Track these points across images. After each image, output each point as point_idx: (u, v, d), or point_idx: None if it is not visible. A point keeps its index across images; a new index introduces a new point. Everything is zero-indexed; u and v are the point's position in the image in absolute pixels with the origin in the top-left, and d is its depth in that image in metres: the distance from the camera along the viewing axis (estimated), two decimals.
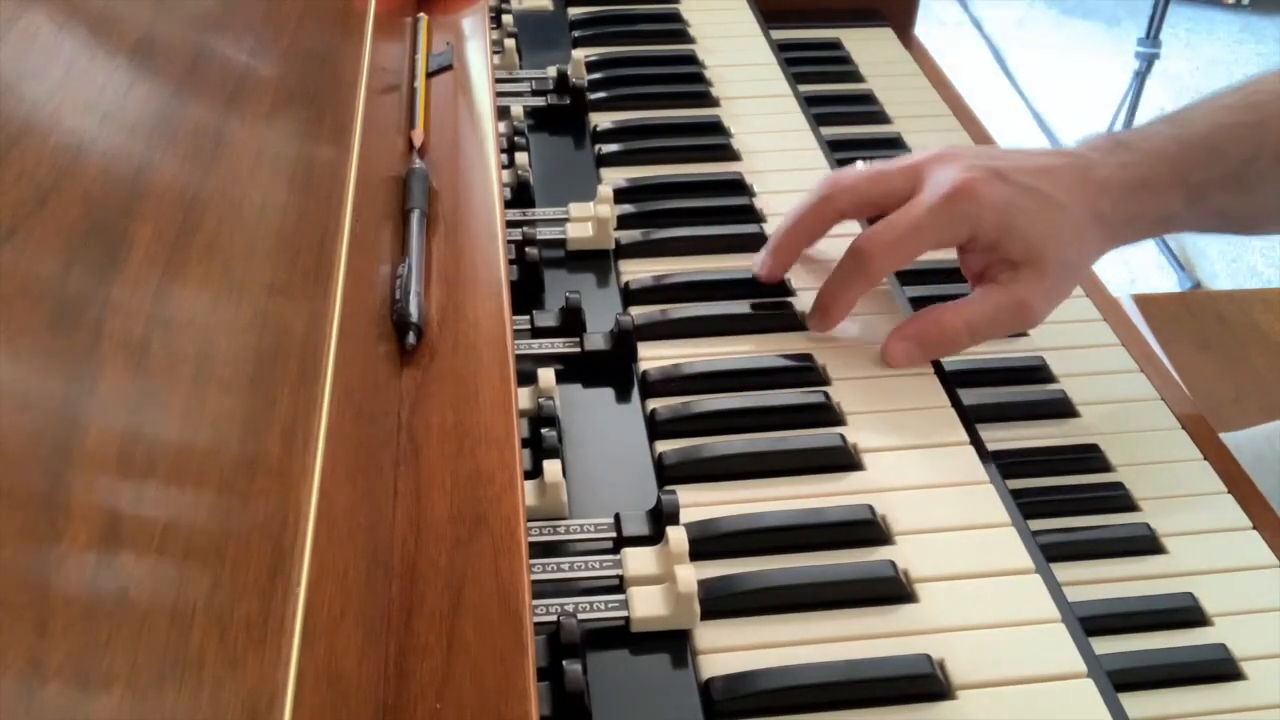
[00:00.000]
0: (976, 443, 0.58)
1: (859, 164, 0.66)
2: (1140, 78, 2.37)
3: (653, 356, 0.62)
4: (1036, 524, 0.57)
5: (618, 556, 0.49)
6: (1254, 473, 0.64)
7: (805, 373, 0.61)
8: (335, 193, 0.52)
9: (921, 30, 1.08)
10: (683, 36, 0.95)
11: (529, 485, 0.52)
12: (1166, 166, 0.62)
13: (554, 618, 0.46)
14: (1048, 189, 0.61)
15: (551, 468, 0.52)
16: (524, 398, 0.56)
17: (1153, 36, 2.32)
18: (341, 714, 0.35)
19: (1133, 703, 0.48)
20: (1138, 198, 0.62)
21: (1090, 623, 0.51)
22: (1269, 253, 2.32)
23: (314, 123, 0.54)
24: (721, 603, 0.49)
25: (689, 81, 0.88)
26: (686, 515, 0.51)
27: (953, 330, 0.61)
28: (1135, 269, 2.26)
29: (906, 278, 0.71)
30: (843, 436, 0.57)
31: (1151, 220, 0.64)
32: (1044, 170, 0.62)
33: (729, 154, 0.80)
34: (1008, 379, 0.69)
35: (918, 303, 0.69)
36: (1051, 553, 0.55)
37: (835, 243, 0.65)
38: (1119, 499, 0.62)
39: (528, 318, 0.62)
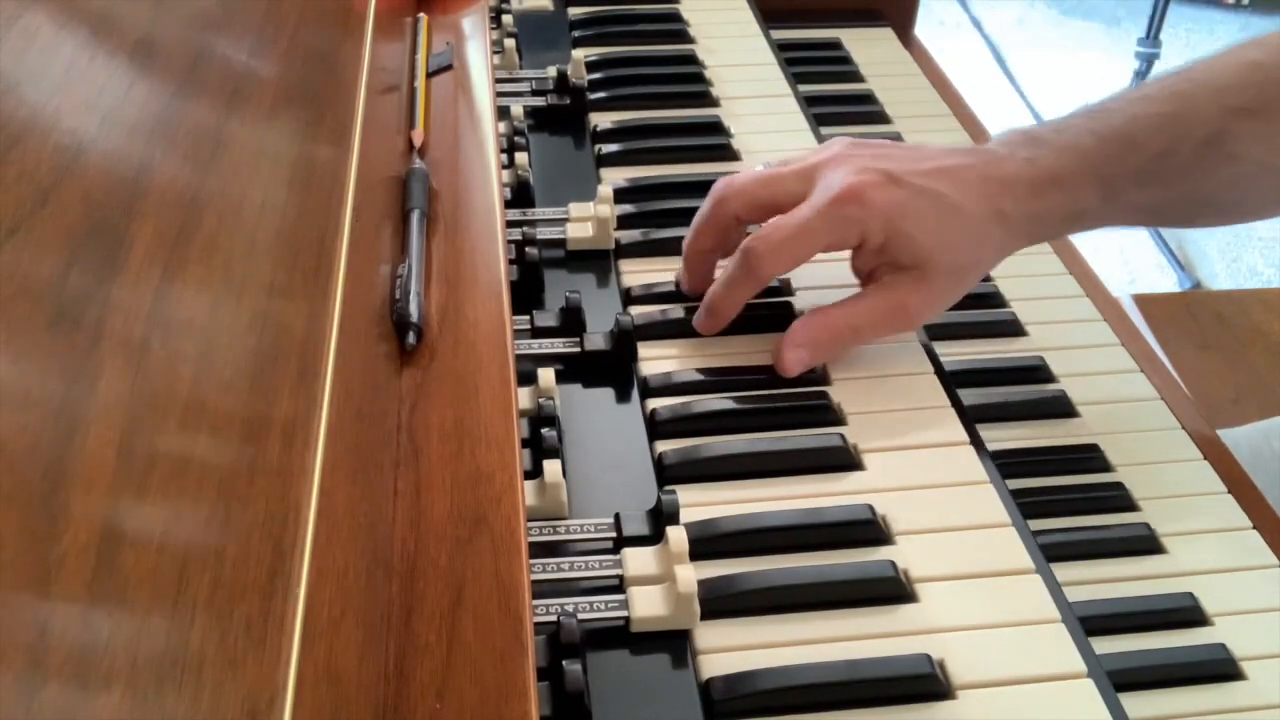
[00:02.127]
0: (976, 443, 0.58)
1: (757, 167, 0.65)
2: (1140, 78, 2.37)
3: (653, 357, 0.61)
4: (1036, 524, 0.57)
5: (618, 556, 0.49)
6: (1251, 469, 0.64)
7: (805, 372, 0.61)
8: (335, 193, 0.52)
9: (921, 30, 1.08)
10: (683, 36, 0.95)
11: (529, 485, 0.52)
12: (1079, 161, 0.61)
13: (554, 618, 0.46)
14: (944, 189, 0.60)
15: (551, 468, 0.52)
16: (524, 398, 0.56)
17: (1153, 36, 2.32)
18: (341, 714, 0.35)
19: (1133, 703, 0.48)
20: (1044, 194, 0.61)
21: (1090, 623, 0.51)
22: (1269, 253, 2.32)
23: (314, 123, 0.54)
24: (721, 603, 0.49)
25: (689, 81, 0.88)
26: (686, 515, 0.51)
27: (838, 331, 0.61)
28: (1135, 269, 2.26)
29: None
30: (843, 436, 0.57)
31: (1061, 216, 0.62)
32: (943, 171, 0.60)
33: (729, 154, 0.80)
34: (1008, 379, 0.69)
35: None
36: (1051, 553, 0.55)
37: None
38: (1119, 499, 0.62)
39: (528, 318, 0.62)
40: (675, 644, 0.48)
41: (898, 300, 0.61)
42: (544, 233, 0.68)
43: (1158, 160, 0.61)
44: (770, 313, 0.65)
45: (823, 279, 0.68)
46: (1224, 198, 0.63)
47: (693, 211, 0.72)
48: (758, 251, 0.60)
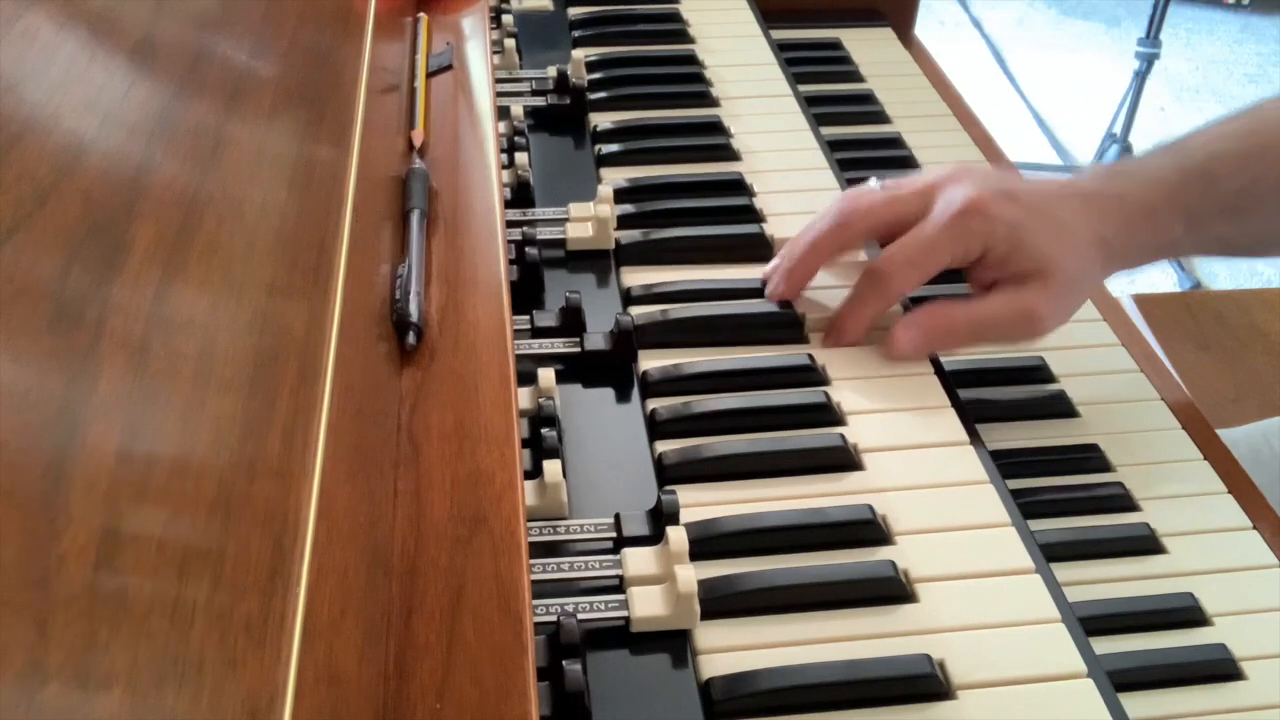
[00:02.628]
0: (976, 443, 0.58)
1: (872, 182, 0.66)
2: (1140, 78, 2.37)
3: (653, 358, 0.61)
4: (1036, 524, 0.57)
5: (618, 556, 0.49)
6: (1250, 467, 0.64)
7: (805, 373, 0.61)
8: (335, 193, 0.52)
9: (921, 30, 1.08)
10: (683, 36, 0.95)
11: (529, 485, 0.52)
12: (1165, 195, 0.63)
13: (554, 618, 0.46)
14: (1055, 210, 0.62)
15: (551, 468, 0.52)
16: (524, 398, 0.56)
17: (1153, 36, 2.32)
18: (341, 714, 0.35)
19: (1133, 703, 0.48)
20: (1139, 226, 0.63)
21: (1090, 623, 0.51)
22: None
23: (314, 123, 0.54)
24: (721, 603, 0.49)
25: (689, 81, 0.88)
26: (686, 515, 0.51)
27: (959, 326, 0.63)
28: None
29: None
30: (843, 436, 0.57)
31: (1153, 247, 0.65)
32: (1050, 194, 0.63)
33: (729, 154, 0.80)
34: (1008, 379, 0.69)
35: (918, 301, 0.69)
36: (1051, 553, 0.55)
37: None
38: (1119, 499, 0.62)
39: (528, 318, 0.62)
40: (675, 644, 0.48)
41: (1027, 304, 0.62)
42: (544, 233, 0.68)
43: (1237, 196, 0.63)
44: (771, 315, 0.65)
45: (824, 280, 0.68)
46: None
47: (693, 211, 0.72)
48: (888, 271, 0.62)
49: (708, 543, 0.51)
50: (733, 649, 0.48)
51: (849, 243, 0.66)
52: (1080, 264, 0.63)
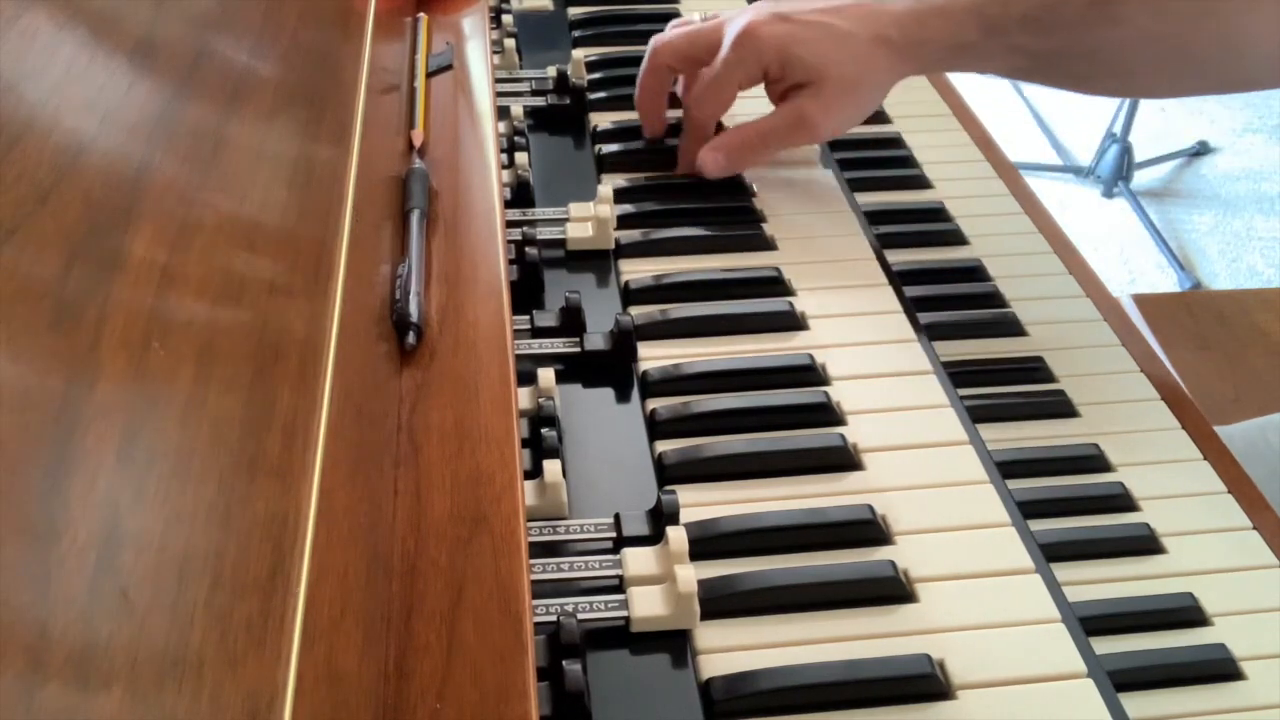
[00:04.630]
0: (976, 442, 0.58)
1: (693, 17, 0.77)
2: None
3: (653, 356, 0.62)
4: (1036, 524, 0.57)
5: (618, 556, 0.49)
6: (1246, 463, 0.64)
7: (805, 373, 0.61)
8: (335, 193, 0.52)
9: None
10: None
11: (529, 485, 0.52)
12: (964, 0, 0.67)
13: (554, 618, 0.46)
14: (831, 21, 0.69)
15: (551, 468, 0.52)
16: (524, 398, 0.56)
17: None
18: (341, 714, 0.35)
19: (1133, 703, 0.48)
20: (927, 23, 0.68)
21: (1090, 623, 0.50)
22: (1269, 253, 2.32)
23: (314, 123, 0.54)
24: (721, 603, 0.49)
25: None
26: (686, 515, 0.51)
27: (751, 140, 0.72)
28: (1135, 269, 2.27)
29: (907, 279, 0.71)
30: (843, 436, 0.57)
31: (945, 46, 0.68)
32: (831, 9, 0.70)
33: None
34: (1008, 379, 0.69)
35: (919, 302, 0.69)
36: (1051, 553, 0.55)
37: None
38: (1119, 499, 0.62)
39: (528, 318, 0.62)
40: (675, 644, 0.48)
41: (797, 110, 0.71)
42: (544, 233, 0.68)
43: (1043, 9, 0.66)
44: (771, 311, 0.65)
45: (824, 280, 0.68)
46: (1110, 61, 0.67)
47: (693, 211, 0.72)
48: (691, 105, 0.74)
49: (708, 543, 0.51)
50: (733, 649, 0.48)
51: (663, 71, 0.76)
52: (857, 68, 0.69)
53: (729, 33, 0.71)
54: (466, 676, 0.40)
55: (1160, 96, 0.74)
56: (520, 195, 0.71)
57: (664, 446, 0.57)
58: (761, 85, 0.74)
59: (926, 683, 0.46)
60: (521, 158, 0.72)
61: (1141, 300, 1.15)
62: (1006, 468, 0.59)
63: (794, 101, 0.70)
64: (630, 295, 0.66)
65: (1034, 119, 2.72)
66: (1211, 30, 0.63)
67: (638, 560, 0.49)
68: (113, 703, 0.26)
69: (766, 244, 0.70)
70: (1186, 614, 0.56)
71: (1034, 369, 0.70)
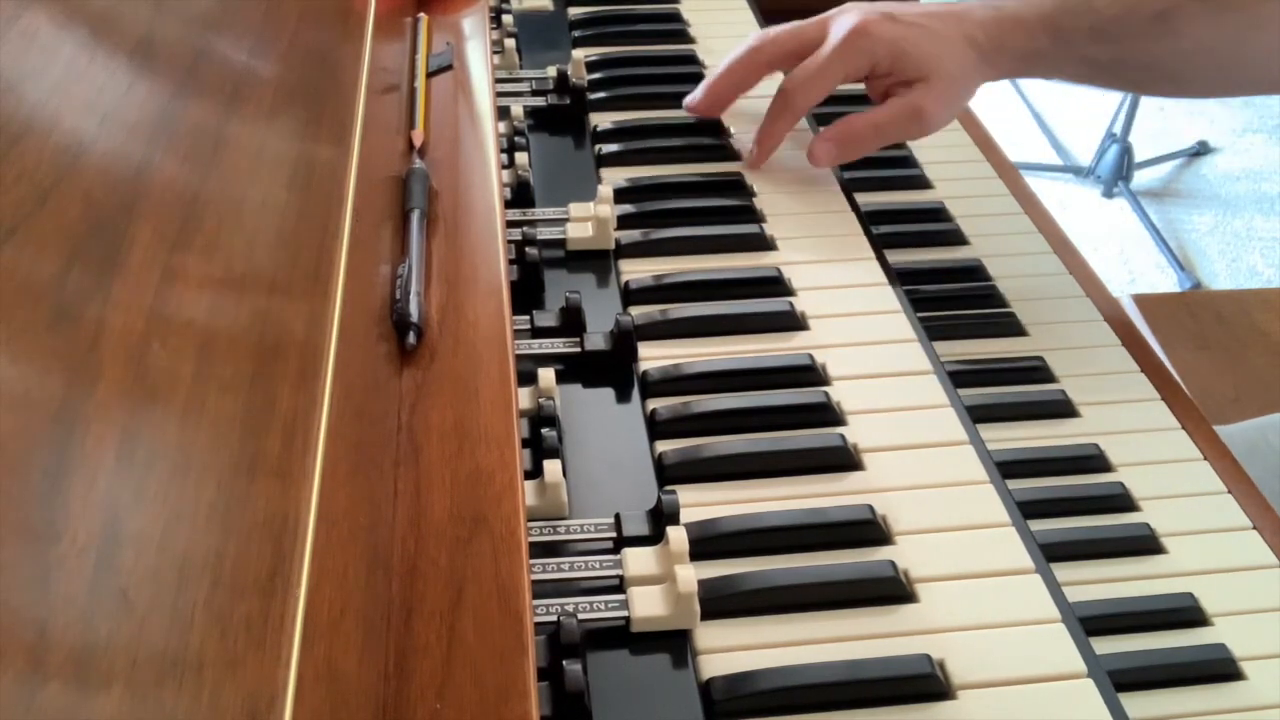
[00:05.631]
0: (976, 442, 0.58)
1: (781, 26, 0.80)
2: None
3: (653, 356, 0.62)
4: (1036, 524, 0.57)
5: (618, 556, 0.49)
6: (1246, 462, 0.64)
7: (805, 373, 0.61)
8: (335, 193, 0.52)
9: None
10: (683, 36, 0.95)
11: (529, 485, 0.51)
12: (1038, 11, 0.73)
13: (554, 618, 0.46)
14: (930, 23, 0.75)
15: (551, 468, 0.52)
16: (524, 398, 0.56)
17: None
18: (341, 714, 0.35)
19: (1133, 703, 0.48)
20: (1007, 31, 0.74)
21: (1090, 623, 0.50)
22: (1269, 253, 2.32)
23: (314, 123, 0.54)
24: (721, 603, 0.49)
25: (689, 82, 0.87)
26: (686, 515, 0.51)
27: (863, 131, 0.76)
28: (1135, 269, 2.26)
29: (907, 278, 0.71)
30: (843, 436, 0.57)
31: (1020, 54, 0.74)
32: (928, 14, 0.75)
33: (729, 154, 0.80)
34: (1008, 379, 0.69)
35: (919, 302, 0.69)
36: (1051, 553, 0.55)
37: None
38: (1119, 499, 0.62)
39: (528, 318, 0.62)
40: (675, 644, 0.48)
41: (913, 104, 0.74)
42: (544, 233, 0.68)
43: (1112, 22, 0.71)
44: (771, 311, 0.65)
45: (824, 280, 0.68)
46: (1169, 68, 0.73)
47: (693, 211, 0.73)
48: (791, 89, 0.75)
49: (708, 543, 0.51)
50: (733, 649, 0.48)
51: (760, 67, 0.78)
52: (957, 64, 0.74)
53: (838, 28, 0.74)
54: (466, 676, 0.40)
55: (1210, 97, 0.83)
56: (520, 195, 0.71)
57: (664, 446, 0.57)
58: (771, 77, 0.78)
59: (927, 683, 0.46)
60: (521, 158, 0.72)
61: (1141, 300, 1.15)
62: (1006, 468, 0.59)
63: (906, 97, 0.74)
64: (630, 295, 0.66)
65: (1034, 119, 2.72)
66: (1261, 41, 0.70)
67: (638, 560, 0.49)
68: (113, 703, 0.26)
69: (766, 244, 0.70)
70: (1186, 614, 0.56)
71: (1034, 369, 0.70)
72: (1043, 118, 2.72)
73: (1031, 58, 0.74)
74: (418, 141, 0.66)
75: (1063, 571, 0.54)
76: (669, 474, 0.55)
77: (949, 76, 0.74)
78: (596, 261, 0.69)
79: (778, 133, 0.77)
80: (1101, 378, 0.69)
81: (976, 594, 0.50)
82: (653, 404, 0.59)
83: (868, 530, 0.52)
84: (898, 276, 0.69)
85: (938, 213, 0.80)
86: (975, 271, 0.76)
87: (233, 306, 0.39)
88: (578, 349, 0.61)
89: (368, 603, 0.40)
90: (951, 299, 0.73)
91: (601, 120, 0.82)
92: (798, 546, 0.52)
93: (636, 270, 0.68)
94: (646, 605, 0.48)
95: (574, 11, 0.97)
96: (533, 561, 0.45)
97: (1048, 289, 0.75)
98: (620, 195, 0.73)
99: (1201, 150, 2.61)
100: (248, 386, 0.38)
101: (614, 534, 0.51)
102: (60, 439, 0.28)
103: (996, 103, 2.73)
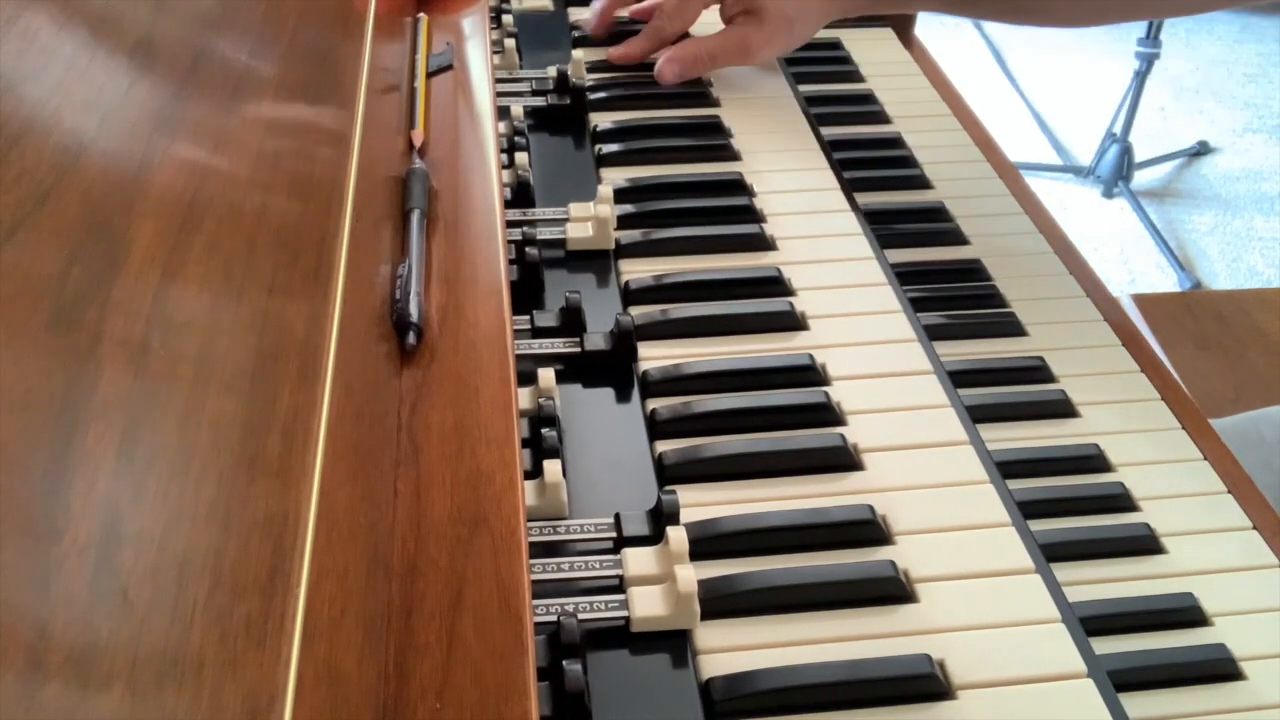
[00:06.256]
0: (976, 442, 0.58)
1: None
2: (1140, 78, 2.37)
3: (653, 356, 0.62)
4: (1036, 524, 0.57)
5: (618, 556, 0.49)
6: (1240, 453, 0.64)
7: (805, 373, 0.61)
8: (335, 193, 0.52)
9: (921, 30, 1.08)
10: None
11: (529, 485, 0.52)
12: None
13: (554, 618, 0.46)
14: None
15: (551, 468, 0.52)
16: (524, 398, 0.56)
17: (1153, 36, 2.32)
18: (341, 714, 0.35)
19: (1133, 703, 0.48)
20: None
21: (1090, 623, 0.50)
22: (1269, 253, 2.32)
23: (314, 122, 0.54)
24: (722, 603, 0.49)
25: (689, 81, 0.88)
26: (687, 515, 0.51)
27: (701, 54, 0.86)
28: (1135, 269, 2.27)
29: (907, 279, 0.71)
30: (843, 436, 0.57)
31: None
32: None
33: (729, 154, 0.80)
34: (1008, 379, 0.69)
35: (919, 302, 0.69)
36: (1051, 553, 0.55)
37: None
38: (1119, 499, 0.62)
39: (528, 318, 0.62)
40: (675, 644, 0.48)
41: (741, 36, 0.86)
42: (544, 233, 0.68)
43: None
44: (771, 311, 0.65)
45: (824, 280, 0.68)
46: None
47: (693, 211, 0.73)
48: (662, 16, 0.88)
49: (708, 543, 0.51)
50: (733, 649, 0.48)
51: None
52: (796, 7, 0.84)
53: None
54: (466, 676, 0.40)
55: (1072, 26, 0.88)
56: (520, 195, 0.71)
57: (664, 446, 0.57)
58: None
59: (927, 683, 0.46)
60: (521, 158, 0.72)
61: (1141, 300, 1.15)
62: (1006, 468, 0.59)
63: (740, 29, 0.85)
64: (630, 295, 0.66)
65: (1034, 119, 2.72)
66: None
67: (638, 560, 0.49)
68: (113, 703, 0.26)
69: (766, 244, 0.70)
70: (1186, 614, 0.56)
71: (1034, 369, 0.69)
72: (1043, 118, 2.72)
73: None
74: (418, 141, 0.66)
75: (1063, 571, 0.54)
76: (669, 474, 0.55)
77: (782, 15, 0.84)
78: (596, 261, 0.69)
79: (641, 48, 0.87)
80: (1101, 378, 0.69)
81: (976, 594, 0.50)
82: (653, 404, 0.59)
83: (868, 530, 0.52)
84: (898, 276, 0.70)
85: (938, 213, 0.80)
86: (975, 271, 0.76)
87: (232, 306, 0.39)
88: (578, 349, 0.61)
89: (368, 603, 0.40)
90: (951, 299, 0.73)
91: (601, 120, 0.82)
92: (798, 546, 0.52)
93: (636, 270, 0.68)
94: (646, 605, 0.48)
95: (574, 12, 0.97)
96: (533, 561, 0.45)
97: (1048, 289, 0.75)
98: (620, 195, 0.73)
99: (1201, 150, 2.61)
100: (248, 386, 0.38)
101: (614, 534, 0.51)
102: (60, 439, 0.28)
103: (996, 103, 2.73)
